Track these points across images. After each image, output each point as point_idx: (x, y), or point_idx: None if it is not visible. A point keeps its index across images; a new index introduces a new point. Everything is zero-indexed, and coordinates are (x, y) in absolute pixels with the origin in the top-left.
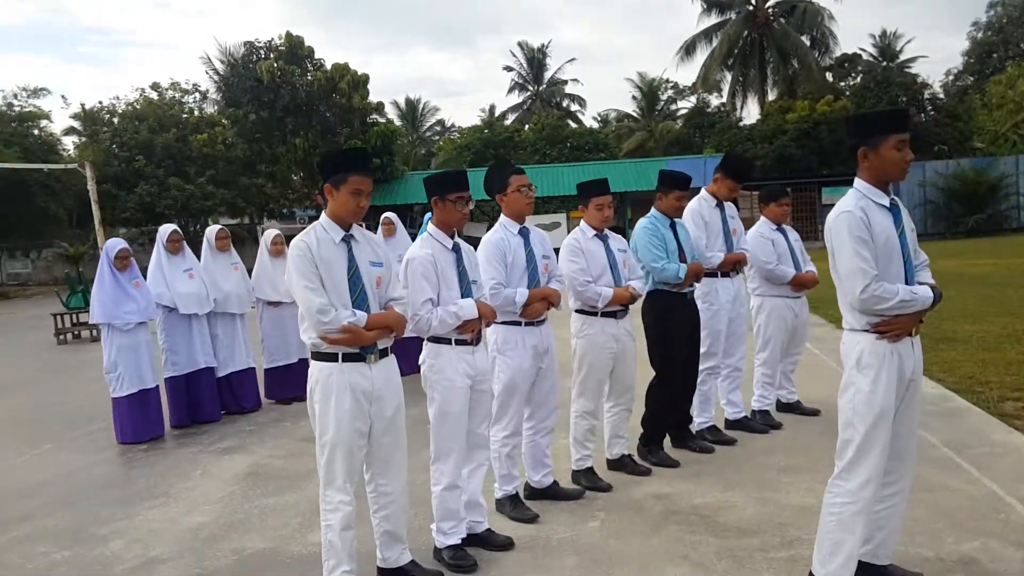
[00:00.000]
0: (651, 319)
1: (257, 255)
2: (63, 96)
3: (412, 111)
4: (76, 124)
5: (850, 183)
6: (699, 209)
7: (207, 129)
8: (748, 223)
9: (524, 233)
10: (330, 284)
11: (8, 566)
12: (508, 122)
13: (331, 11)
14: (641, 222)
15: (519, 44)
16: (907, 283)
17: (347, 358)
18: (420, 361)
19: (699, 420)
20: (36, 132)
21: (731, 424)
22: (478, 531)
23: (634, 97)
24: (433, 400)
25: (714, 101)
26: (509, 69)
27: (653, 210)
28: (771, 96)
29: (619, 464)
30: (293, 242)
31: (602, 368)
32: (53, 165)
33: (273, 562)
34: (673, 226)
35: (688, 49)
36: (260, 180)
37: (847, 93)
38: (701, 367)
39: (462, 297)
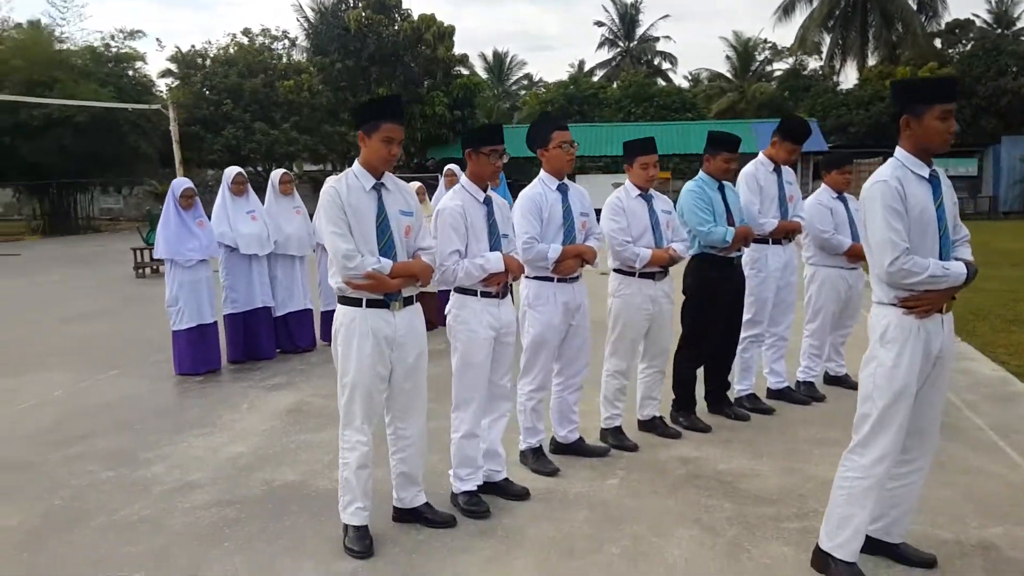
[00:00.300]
0: (693, 282)
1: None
2: (158, 39)
3: (499, 64)
4: (172, 67)
5: (949, 154)
6: (755, 173)
7: (294, 76)
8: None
9: (563, 189)
10: (358, 231)
11: (56, 480)
12: (596, 79)
13: None
14: (688, 185)
15: None
16: (941, 258)
17: (371, 304)
18: (446, 311)
19: (739, 387)
20: (131, 73)
21: (773, 394)
22: (496, 479)
23: (728, 57)
24: (456, 349)
25: (812, 64)
26: (600, 24)
27: (701, 172)
28: (871, 61)
29: (650, 425)
30: (324, 187)
31: (637, 328)
32: (139, 105)
33: (299, 494)
34: (722, 188)
35: (787, 9)
36: (343, 128)
37: (954, 60)
38: (744, 334)
39: (491, 250)
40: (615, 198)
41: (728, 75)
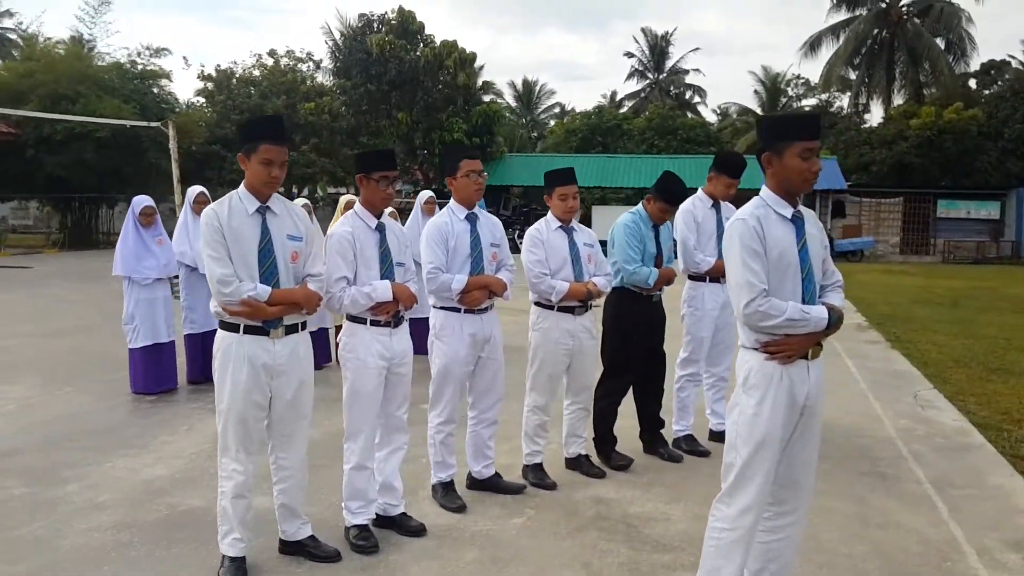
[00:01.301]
0: (609, 316)
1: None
2: (184, 57)
3: (528, 93)
4: (208, 85)
5: (971, 196)
6: (692, 209)
7: (316, 98)
8: (853, 231)
9: (471, 219)
10: (238, 255)
11: None
12: (624, 109)
13: None
14: (624, 218)
15: (642, 30)
16: (804, 302)
17: (248, 330)
18: (339, 338)
19: (676, 428)
20: (155, 90)
21: (715, 435)
22: (392, 514)
23: (756, 92)
24: (346, 378)
25: (841, 101)
26: (630, 55)
27: (639, 207)
28: (898, 100)
29: (575, 463)
30: (204, 211)
31: (555, 364)
32: (138, 123)
33: (197, 520)
34: (656, 227)
35: (813, 45)
36: (360, 151)
37: (981, 101)
38: (680, 373)
39: (382, 278)
40: (534, 229)
41: (757, 109)
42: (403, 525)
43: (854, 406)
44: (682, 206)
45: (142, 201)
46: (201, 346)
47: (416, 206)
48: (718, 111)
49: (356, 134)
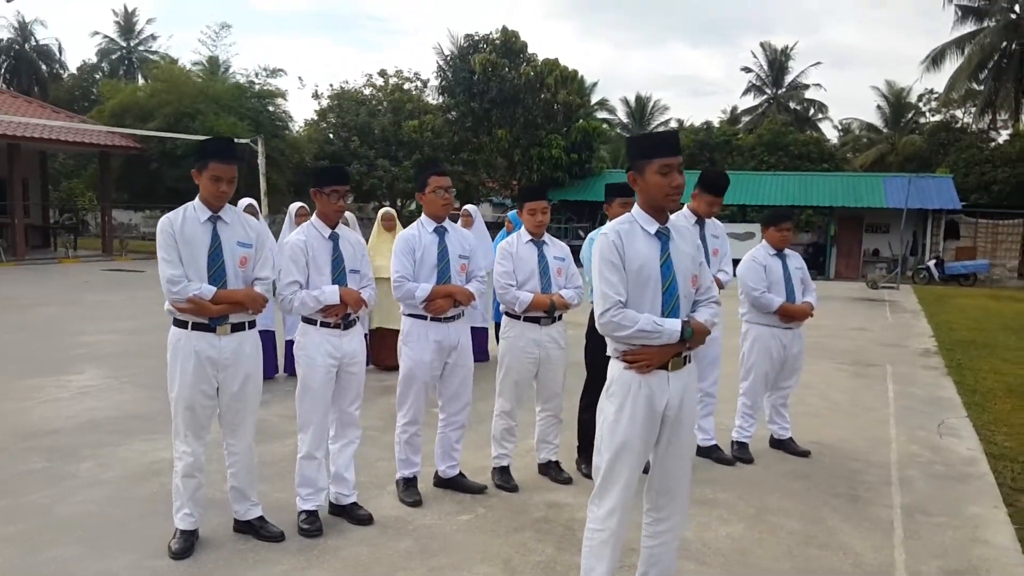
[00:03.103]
0: (591, 326)
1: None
2: (300, 77)
3: (641, 108)
4: (321, 103)
5: None
6: (675, 224)
7: (420, 116)
8: (966, 253)
9: (440, 232)
10: (189, 259)
11: None
12: (740, 125)
13: (589, 3)
14: (599, 232)
15: (761, 45)
16: (665, 314)
17: (196, 327)
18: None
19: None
20: (271, 108)
21: (700, 451)
22: (344, 503)
23: (878, 107)
24: (299, 375)
25: (967, 118)
26: (747, 71)
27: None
28: None
29: (545, 468)
30: (161, 218)
31: (520, 371)
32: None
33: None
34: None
35: (936, 59)
36: (461, 168)
37: None
38: None
39: (334, 283)
40: (506, 243)
41: (880, 125)
42: (352, 514)
43: (869, 431)
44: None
45: (245, 201)
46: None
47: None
48: (839, 127)
49: (458, 150)
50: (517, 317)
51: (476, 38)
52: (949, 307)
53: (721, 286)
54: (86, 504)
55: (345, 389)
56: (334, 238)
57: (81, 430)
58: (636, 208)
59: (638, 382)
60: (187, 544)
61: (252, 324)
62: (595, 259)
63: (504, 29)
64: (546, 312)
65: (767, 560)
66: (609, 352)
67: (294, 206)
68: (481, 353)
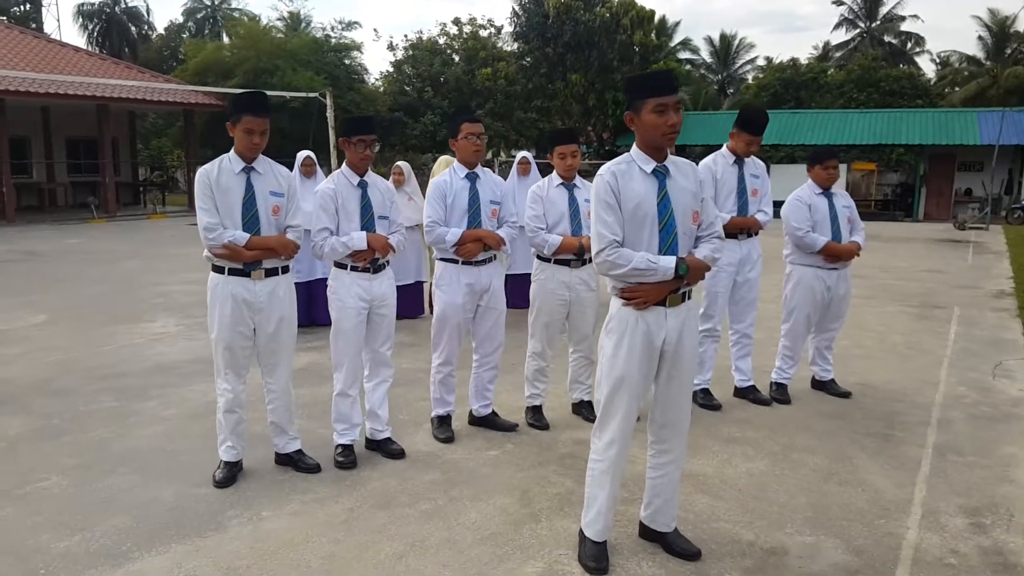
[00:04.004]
0: None
1: None
2: (375, 29)
3: (725, 48)
4: (397, 54)
5: None
6: (712, 165)
7: (494, 63)
8: None
9: (471, 178)
10: (224, 208)
11: (72, 403)
12: (831, 61)
13: None
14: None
15: None
16: (663, 251)
17: (232, 272)
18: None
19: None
20: (347, 62)
21: (739, 392)
22: (378, 438)
23: (980, 37)
24: (331, 317)
25: None
26: (839, 3)
27: (723, 148)
28: None
29: (577, 408)
30: (198, 171)
31: (551, 313)
32: (296, 94)
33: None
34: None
35: None
36: (534, 115)
37: None
38: (699, 328)
39: (363, 229)
40: (536, 187)
41: (980, 58)
42: (385, 449)
43: (919, 373)
44: (703, 162)
45: (303, 154)
46: (306, 293)
47: (513, 167)
48: (938, 60)
49: (532, 97)
50: (548, 260)
51: None
52: None
53: (760, 226)
54: (144, 439)
55: (376, 330)
56: (362, 186)
57: (150, 373)
58: (634, 147)
59: (635, 318)
60: (230, 474)
61: (286, 269)
62: (592, 199)
63: None
64: (576, 254)
65: (782, 495)
66: (609, 289)
67: (301, 155)
68: (416, 307)
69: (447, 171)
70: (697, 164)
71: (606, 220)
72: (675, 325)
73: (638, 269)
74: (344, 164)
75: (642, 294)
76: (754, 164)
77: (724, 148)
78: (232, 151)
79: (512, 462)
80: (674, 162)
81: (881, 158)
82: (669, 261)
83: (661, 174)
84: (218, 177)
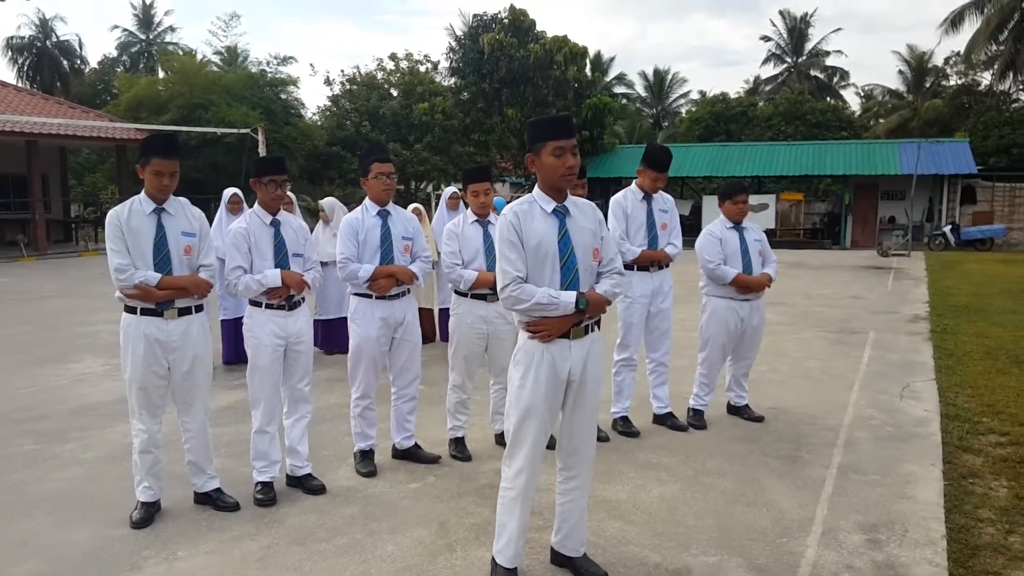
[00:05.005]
0: None
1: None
2: (311, 64)
3: (659, 82)
4: (333, 90)
5: None
6: (622, 201)
7: (430, 98)
8: (983, 218)
9: (383, 215)
10: (135, 249)
11: None
12: (761, 94)
13: None
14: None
15: (780, 12)
16: (564, 286)
17: (145, 312)
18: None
19: (612, 410)
20: (283, 96)
21: (656, 418)
22: (298, 475)
23: (900, 72)
24: (247, 354)
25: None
26: (767, 39)
27: (632, 184)
28: None
29: (500, 439)
30: (109, 211)
31: (469, 346)
32: (227, 130)
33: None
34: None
35: (954, 21)
36: (472, 148)
37: None
38: (616, 358)
39: (277, 267)
40: (452, 224)
41: (902, 91)
42: (306, 485)
43: (829, 396)
44: (614, 198)
45: (230, 191)
46: (234, 330)
47: (441, 202)
48: (862, 93)
49: (469, 132)
50: (465, 295)
51: (486, 18)
52: (954, 273)
53: (670, 259)
54: (62, 482)
55: (293, 367)
56: (275, 224)
57: (72, 414)
58: (536, 188)
59: (541, 350)
60: (147, 514)
61: (200, 308)
62: (496, 238)
63: (512, 8)
64: (491, 289)
65: (691, 518)
66: (514, 323)
67: (228, 192)
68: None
69: (359, 208)
70: None
71: (510, 257)
72: (579, 356)
73: (540, 304)
74: (256, 203)
75: (546, 327)
76: (662, 199)
77: (633, 184)
78: (143, 192)
79: (432, 494)
80: (574, 202)
81: (809, 188)
82: (570, 296)
83: (561, 214)
84: (128, 219)
